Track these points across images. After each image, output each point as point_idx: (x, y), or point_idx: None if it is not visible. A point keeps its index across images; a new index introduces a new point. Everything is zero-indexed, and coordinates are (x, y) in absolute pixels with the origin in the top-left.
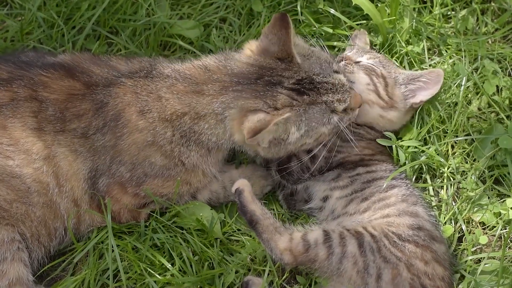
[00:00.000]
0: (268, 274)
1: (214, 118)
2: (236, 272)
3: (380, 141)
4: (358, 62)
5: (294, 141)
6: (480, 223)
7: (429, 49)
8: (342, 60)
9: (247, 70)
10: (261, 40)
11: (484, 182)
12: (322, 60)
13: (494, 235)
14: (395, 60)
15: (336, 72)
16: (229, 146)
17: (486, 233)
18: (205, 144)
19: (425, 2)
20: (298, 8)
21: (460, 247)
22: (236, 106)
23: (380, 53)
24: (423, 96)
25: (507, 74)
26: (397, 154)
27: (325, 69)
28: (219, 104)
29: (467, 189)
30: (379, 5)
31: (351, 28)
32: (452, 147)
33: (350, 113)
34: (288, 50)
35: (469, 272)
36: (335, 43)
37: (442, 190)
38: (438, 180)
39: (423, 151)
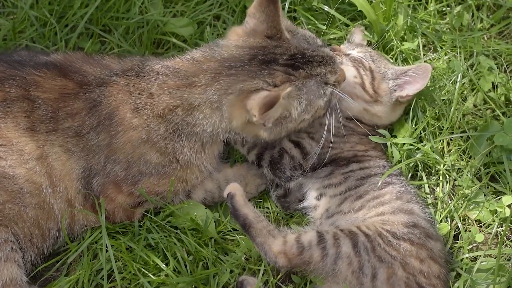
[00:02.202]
0: (263, 274)
1: (209, 106)
2: (231, 271)
3: (374, 138)
4: (348, 54)
5: (296, 117)
6: (476, 220)
7: (424, 46)
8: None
9: (237, 53)
10: (247, 22)
11: (480, 180)
12: (308, 36)
13: (490, 233)
14: (389, 57)
15: (322, 46)
16: (226, 136)
17: (482, 231)
18: (199, 136)
19: None
20: (287, 5)
21: (456, 245)
22: (234, 90)
23: (374, 49)
24: (409, 90)
25: (503, 70)
26: (392, 152)
27: (312, 44)
28: (214, 91)
29: (463, 187)
30: (373, 1)
31: (346, 25)
32: (448, 144)
33: (338, 87)
34: (278, 26)
35: (465, 270)
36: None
37: (437, 187)
38: (433, 177)
39: (418, 149)
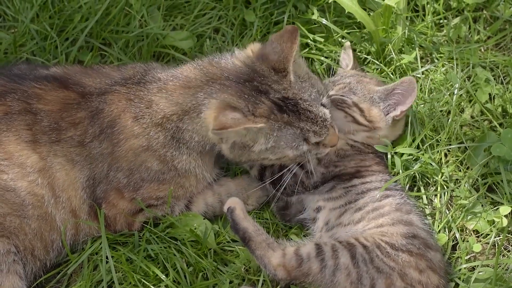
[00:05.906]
0: (262, 284)
1: (196, 112)
2: (231, 282)
3: (378, 147)
4: (330, 96)
5: (257, 151)
6: (473, 231)
7: (421, 58)
8: None
9: (240, 69)
10: (266, 45)
11: (477, 190)
12: (314, 89)
13: (488, 243)
14: (388, 70)
15: (323, 106)
16: (210, 146)
17: (480, 241)
18: (191, 144)
19: (417, 11)
20: (285, 18)
21: (454, 255)
22: (218, 97)
23: (353, 69)
24: (402, 107)
25: (500, 82)
26: (392, 162)
27: (313, 99)
28: (203, 94)
29: (461, 197)
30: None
31: (343, 38)
32: (446, 155)
33: (320, 148)
34: (286, 65)
35: (463, 280)
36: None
37: (435, 198)
38: (431, 188)
39: (416, 160)
